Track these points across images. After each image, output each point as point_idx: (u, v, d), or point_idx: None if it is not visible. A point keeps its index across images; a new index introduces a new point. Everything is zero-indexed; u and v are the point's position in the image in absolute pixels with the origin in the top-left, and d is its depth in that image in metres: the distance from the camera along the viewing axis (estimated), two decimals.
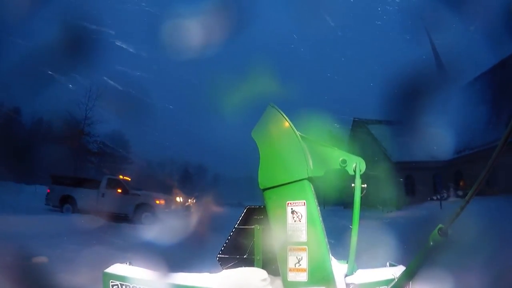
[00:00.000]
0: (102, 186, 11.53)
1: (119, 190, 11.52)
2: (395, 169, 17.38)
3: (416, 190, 18.00)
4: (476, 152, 16.35)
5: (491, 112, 15.90)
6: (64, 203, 11.37)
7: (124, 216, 11.32)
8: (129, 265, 1.91)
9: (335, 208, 18.50)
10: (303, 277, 1.73)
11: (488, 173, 1.22)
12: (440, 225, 1.33)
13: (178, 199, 13.67)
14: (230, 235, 2.12)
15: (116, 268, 1.83)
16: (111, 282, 1.73)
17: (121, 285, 1.72)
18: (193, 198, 15.59)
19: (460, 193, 17.10)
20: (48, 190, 11.91)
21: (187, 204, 14.53)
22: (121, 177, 12.57)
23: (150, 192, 12.05)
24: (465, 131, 15.75)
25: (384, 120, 20.96)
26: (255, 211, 2.13)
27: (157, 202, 11.61)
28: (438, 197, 17.06)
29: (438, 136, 14.79)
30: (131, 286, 1.71)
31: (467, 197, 1.28)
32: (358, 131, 21.72)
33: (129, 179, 12.74)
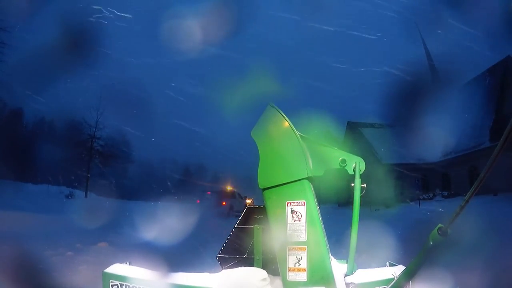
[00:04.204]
0: (233, 196, 17.96)
1: (249, 200, 18.51)
2: (385, 170, 17.72)
3: (405, 190, 18.34)
4: (461, 155, 16.83)
5: (476, 117, 16.39)
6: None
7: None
8: (129, 265, 1.87)
9: (330, 206, 18.96)
10: (302, 276, 1.72)
11: (488, 173, 1.22)
12: (439, 225, 1.32)
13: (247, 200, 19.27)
14: (230, 235, 2.10)
15: (116, 268, 1.79)
16: (111, 282, 1.69)
17: (121, 285, 1.68)
18: (252, 198, 19.81)
19: (445, 193, 17.56)
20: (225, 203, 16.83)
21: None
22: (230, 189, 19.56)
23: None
24: (452, 135, 16.17)
25: (377, 123, 21.56)
26: (255, 211, 2.11)
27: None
28: (425, 196, 17.50)
29: (427, 139, 15.11)
30: (131, 286, 1.67)
31: (466, 197, 1.27)
32: (352, 133, 22.09)
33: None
